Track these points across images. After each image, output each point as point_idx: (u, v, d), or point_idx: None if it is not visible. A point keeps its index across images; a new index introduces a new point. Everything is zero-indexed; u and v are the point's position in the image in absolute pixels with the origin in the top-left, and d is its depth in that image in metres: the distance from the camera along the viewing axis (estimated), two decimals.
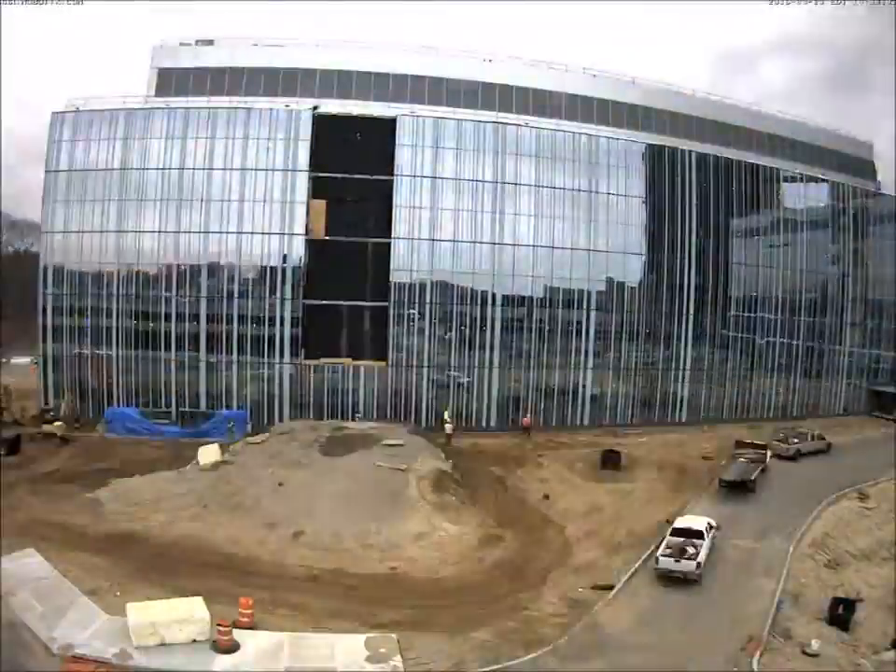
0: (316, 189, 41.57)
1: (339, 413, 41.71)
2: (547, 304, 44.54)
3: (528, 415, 42.17)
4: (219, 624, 17.14)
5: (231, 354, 41.21)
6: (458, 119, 43.25)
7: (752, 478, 30.82)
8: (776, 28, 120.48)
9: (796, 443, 37.72)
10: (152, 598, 18.51)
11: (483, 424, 42.94)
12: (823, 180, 52.11)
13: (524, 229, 43.47)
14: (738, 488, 30.47)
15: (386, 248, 41.95)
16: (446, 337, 43.33)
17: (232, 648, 16.94)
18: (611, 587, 21.65)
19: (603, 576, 22.56)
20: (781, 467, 35.17)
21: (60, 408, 39.31)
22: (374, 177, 42.12)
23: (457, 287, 43.31)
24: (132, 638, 16.64)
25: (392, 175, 41.85)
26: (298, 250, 41.50)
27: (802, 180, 51.55)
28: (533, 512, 28.93)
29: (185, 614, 17.29)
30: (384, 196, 41.89)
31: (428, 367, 42.82)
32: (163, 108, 41.64)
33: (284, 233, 41.16)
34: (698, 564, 21.84)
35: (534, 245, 43.58)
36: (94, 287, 41.28)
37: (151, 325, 41.17)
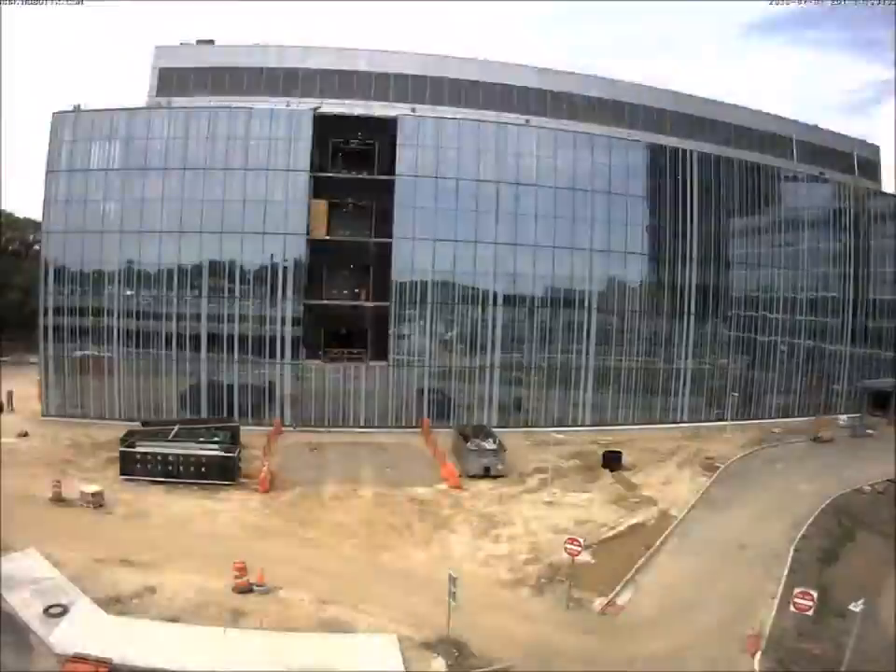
0: (317, 189, 41.56)
1: (339, 414, 41.82)
2: (548, 304, 44.54)
3: None
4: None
5: (232, 354, 41.23)
6: (459, 119, 43.27)
7: None
8: None
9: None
10: None
11: (484, 422, 42.84)
12: (825, 180, 52.14)
13: (524, 228, 43.42)
14: None
15: (387, 248, 41.93)
16: (447, 337, 43.35)
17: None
18: None
19: None
20: None
21: None
22: (375, 177, 42.10)
23: (458, 286, 43.33)
24: None
25: (393, 174, 41.83)
26: (298, 250, 41.45)
27: (803, 180, 51.58)
28: None
29: None
30: (384, 196, 41.89)
31: (430, 367, 42.87)
32: (164, 108, 41.68)
33: (284, 233, 41.12)
34: None
35: (535, 245, 43.53)
36: (95, 286, 41.29)
37: (152, 325, 41.20)
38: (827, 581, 21.89)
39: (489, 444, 34.86)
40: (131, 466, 30.33)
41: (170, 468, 30.18)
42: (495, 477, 33.22)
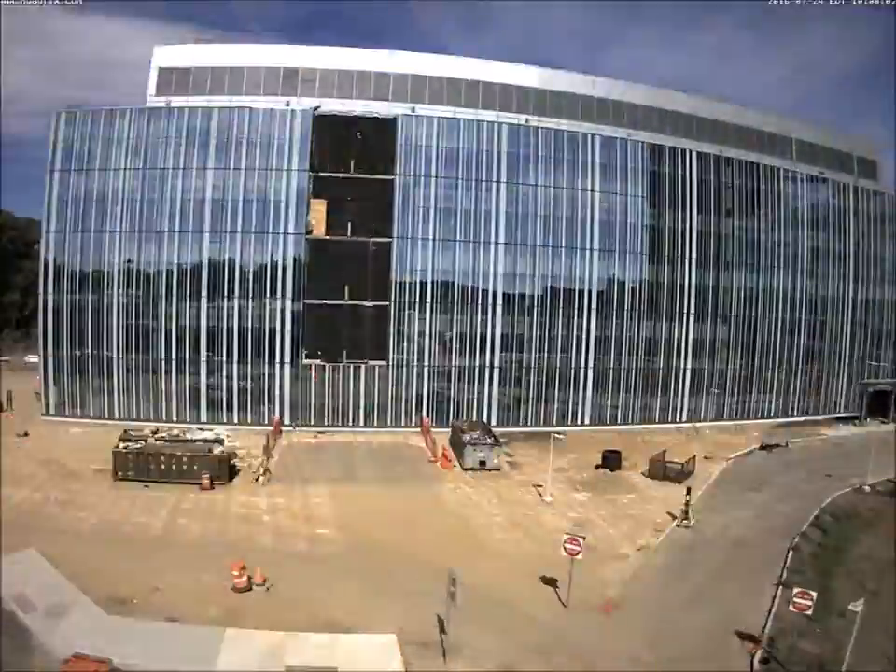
0: (316, 189, 41.54)
1: (339, 413, 41.85)
2: (548, 304, 44.51)
3: None
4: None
5: (232, 354, 41.23)
6: (459, 119, 43.24)
7: None
8: None
9: None
10: None
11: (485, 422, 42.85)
12: (824, 179, 52.09)
13: (524, 228, 43.40)
14: None
15: (387, 248, 41.91)
16: (447, 337, 43.32)
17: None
18: None
19: None
20: None
21: None
22: (374, 177, 42.08)
23: (458, 286, 43.30)
24: None
25: (392, 174, 41.83)
26: (298, 250, 41.46)
27: (803, 179, 51.51)
28: None
29: None
30: (384, 196, 41.86)
31: (429, 366, 42.86)
32: (164, 108, 41.65)
33: (284, 233, 41.13)
34: None
35: (534, 245, 43.53)
36: (94, 286, 41.27)
37: (152, 325, 41.18)
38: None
39: (484, 439, 35.63)
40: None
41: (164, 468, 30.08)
42: (489, 470, 34.03)
